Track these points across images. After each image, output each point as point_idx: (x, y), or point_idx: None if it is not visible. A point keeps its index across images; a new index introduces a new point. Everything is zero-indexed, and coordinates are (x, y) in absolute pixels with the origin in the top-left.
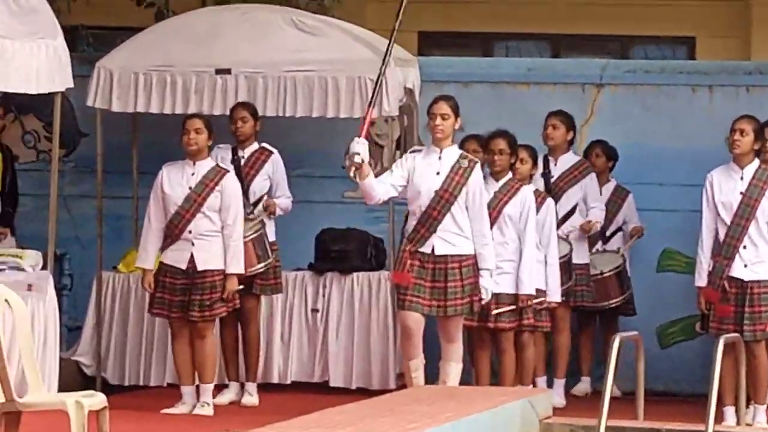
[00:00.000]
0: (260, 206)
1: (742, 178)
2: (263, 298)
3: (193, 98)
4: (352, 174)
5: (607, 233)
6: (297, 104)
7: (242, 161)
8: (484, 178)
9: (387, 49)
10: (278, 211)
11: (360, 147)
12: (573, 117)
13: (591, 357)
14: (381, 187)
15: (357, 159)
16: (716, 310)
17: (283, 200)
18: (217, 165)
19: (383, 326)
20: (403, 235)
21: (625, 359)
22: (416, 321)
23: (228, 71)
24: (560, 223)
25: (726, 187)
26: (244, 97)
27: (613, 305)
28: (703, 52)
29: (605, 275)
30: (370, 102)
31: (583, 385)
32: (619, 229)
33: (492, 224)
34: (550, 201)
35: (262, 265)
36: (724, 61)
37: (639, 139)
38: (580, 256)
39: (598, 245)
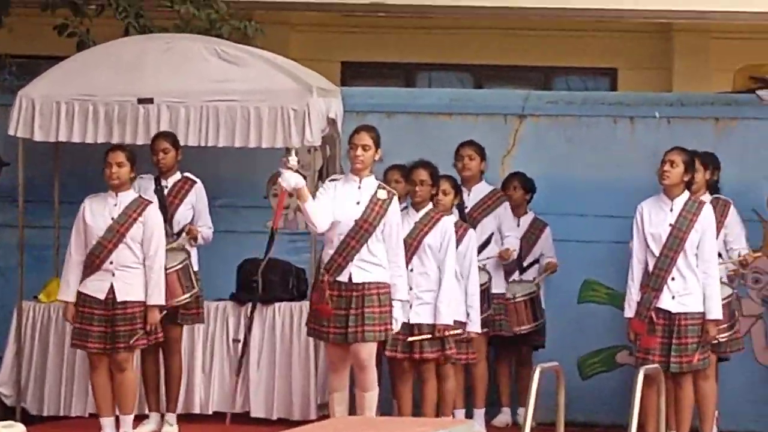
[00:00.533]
0: (183, 233)
1: (671, 210)
2: (185, 328)
3: (115, 127)
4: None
5: (524, 264)
6: (219, 134)
7: (166, 191)
8: (406, 208)
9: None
10: (200, 239)
11: (289, 174)
12: (484, 148)
13: (509, 387)
14: (325, 214)
15: (285, 184)
16: (642, 342)
17: (205, 230)
18: (140, 196)
19: (304, 356)
20: (319, 263)
21: (546, 390)
22: (340, 354)
23: (150, 101)
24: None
25: (656, 218)
26: (166, 127)
27: (524, 332)
28: (624, 83)
29: (517, 300)
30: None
31: (504, 417)
32: (536, 261)
33: (412, 254)
34: (471, 232)
35: (188, 295)
36: (646, 92)
37: (561, 169)
38: (498, 286)
39: (515, 275)
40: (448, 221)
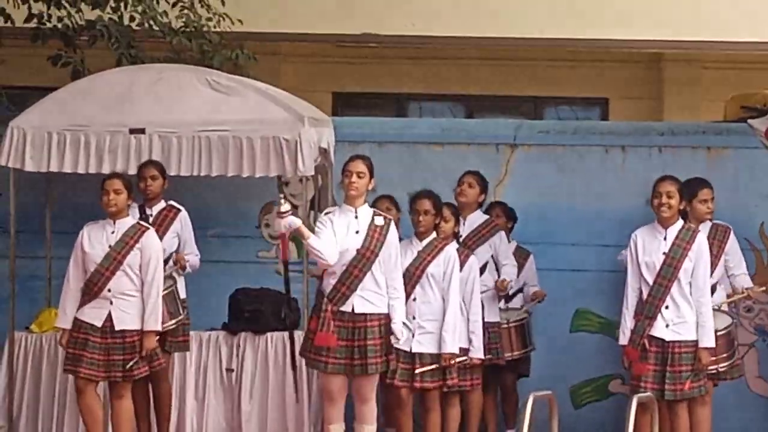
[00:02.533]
0: (170, 262)
1: (665, 239)
2: (176, 357)
3: (107, 157)
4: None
5: (510, 293)
6: (212, 163)
7: (150, 219)
8: (408, 238)
9: None
10: (188, 268)
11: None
12: (487, 180)
13: (496, 416)
14: (331, 246)
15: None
16: (634, 369)
17: (193, 257)
18: (138, 222)
19: (298, 387)
20: (317, 295)
21: (537, 419)
22: (339, 384)
23: (142, 131)
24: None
25: (650, 247)
26: (158, 157)
27: (514, 358)
28: (616, 113)
29: (510, 325)
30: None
31: None
32: (520, 290)
33: (415, 283)
34: (473, 259)
35: (174, 321)
36: (637, 121)
37: (552, 198)
38: (493, 315)
39: (501, 304)
40: (452, 249)
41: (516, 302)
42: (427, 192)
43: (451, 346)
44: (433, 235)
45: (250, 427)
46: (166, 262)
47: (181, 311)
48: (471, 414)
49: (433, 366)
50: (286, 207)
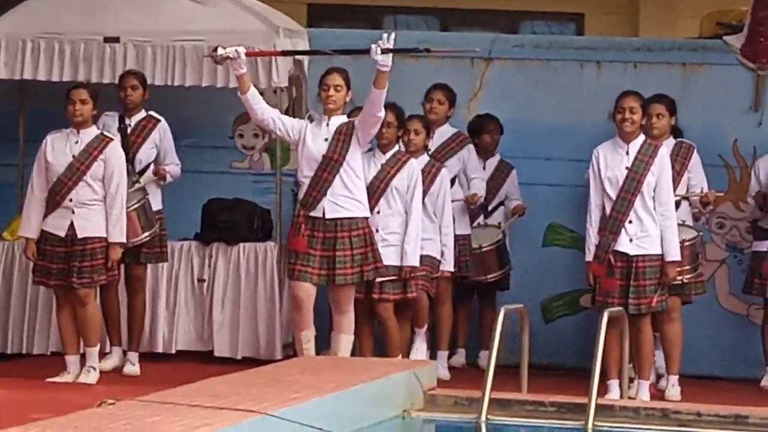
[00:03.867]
0: (149, 173)
1: (627, 153)
2: (149, 267)
3: (81, 66)
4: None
5: (489, 207)
6: (186, 73)
7: (129, 129)
8: (371, 150)
9: None
10: (168, 178)
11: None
12: (455, 93)
13: (467, 329)
14: (266, 109)
15: (221, 51)
16: (601, 284)
17: (173, 167)
18: (102, 133)
19: (270, 297)
20: (295, 202)
21: (508, 332)
22: (306, 291)
23: (117, 39)
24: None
25: (612, 162)
26: (132, 66)
27: (491, 280)
28: (591, 28)
29: (484, 249)
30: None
31: (459, 357)
32: (501, 203)
33: (379, 197)
34: (444, 171)
35: (147, 234)
36: (613, 37)
37: (527, 113)
38: (462, 228)
39: (480, 219)
40: (415, 163)
41: (496, 217)
42: (390, 104)
43: (412, 259)
44: (396, 147)
45: (221, 336)
46: (142, 172)
47: (154, 223)
48: (441, 328)
49: (394, 277)
50: (221, 51)
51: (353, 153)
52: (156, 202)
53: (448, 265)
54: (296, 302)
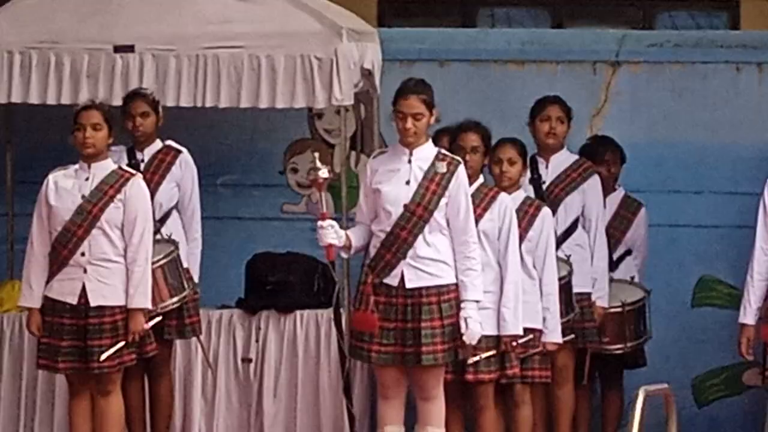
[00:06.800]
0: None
1: None
2: (178, 344)
3: (84, 84)
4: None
5: (614, 257)
6: (220, 91)
7: (142, 165)
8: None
9: None
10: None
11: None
12: (571, 108)
13: (589, 416)
14: (362, 233)
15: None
16: None
17: (193, 251)
18: (120, 167)
19: (335, 379)
20: (363, 262)
21: (649, 421)
22: (393, 377)
23: (131, 48)
24: (559, 241)
25: None
26: (151, 82)
27: (618, 352)
28: (749, 20)
29: (626, 309)
30: None
31: None
32: (628, 252)
33: None
34: (545, 211)
35: (176, 299)
36: None
37: (666, 132)
38: (582, 283)
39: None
40: (507, 200)
41: (622, 271)
42: (473, 123)
43: (513, 326)
44: (481, 179)
45: None
46: (162, 220)
47: (185, 286)
48: (560, 416)
49: (492, 352)
50: (324, 172)
51: (442, 206)
52: (184, 258)
53: (552, 335)
54: (382, 391)
